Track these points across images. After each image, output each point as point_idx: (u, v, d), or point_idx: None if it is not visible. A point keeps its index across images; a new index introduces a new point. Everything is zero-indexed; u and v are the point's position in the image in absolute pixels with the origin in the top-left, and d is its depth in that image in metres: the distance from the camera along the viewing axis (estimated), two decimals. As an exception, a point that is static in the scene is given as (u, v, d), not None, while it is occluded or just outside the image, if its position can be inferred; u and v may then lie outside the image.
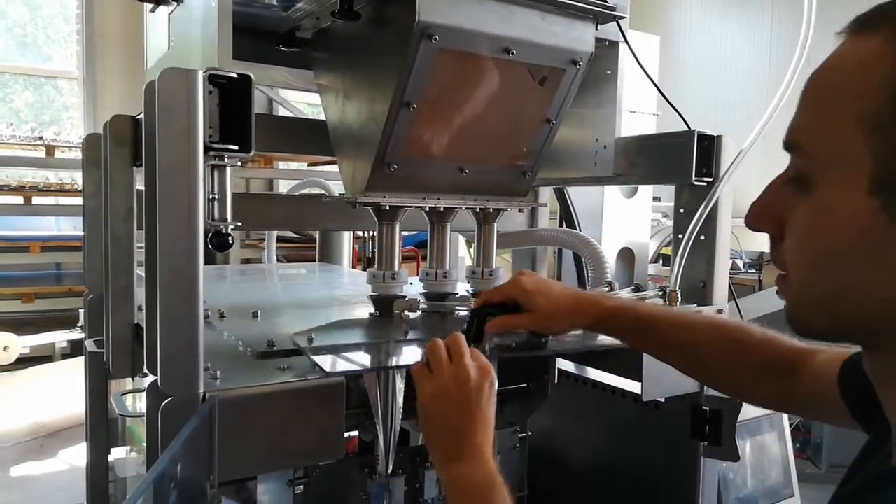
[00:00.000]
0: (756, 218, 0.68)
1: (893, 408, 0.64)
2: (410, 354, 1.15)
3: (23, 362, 4.69)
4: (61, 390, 4.03)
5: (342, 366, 1.02)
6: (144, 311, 0.91)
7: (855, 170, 0.57)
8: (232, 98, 0.90)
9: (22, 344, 4.86)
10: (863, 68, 0.58)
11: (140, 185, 0.98)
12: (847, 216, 0.58)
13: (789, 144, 0.64)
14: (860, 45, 0.59)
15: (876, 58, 0.57)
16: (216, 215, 0.95)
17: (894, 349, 0.62)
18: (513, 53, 1.19)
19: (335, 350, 1.09)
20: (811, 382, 0.95)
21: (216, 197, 0.94)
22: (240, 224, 0.97)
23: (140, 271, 0.96)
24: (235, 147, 0.91)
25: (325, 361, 1.01)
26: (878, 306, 0.59)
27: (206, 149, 0.87)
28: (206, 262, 0.89)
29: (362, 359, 1.14)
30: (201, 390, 0.86)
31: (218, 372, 0.92)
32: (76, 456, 3.60)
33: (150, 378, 0.90)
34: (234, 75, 0.90)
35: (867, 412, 0.67)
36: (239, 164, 0.95)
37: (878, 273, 0.58)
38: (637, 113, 2.82)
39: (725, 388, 1.15)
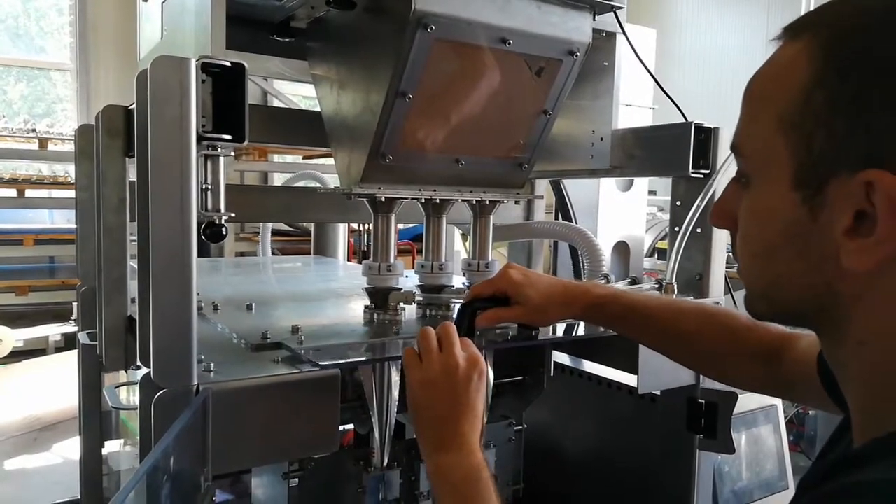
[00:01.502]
0: (715, 216, 0.74)
1: (847, 392, 0.67)
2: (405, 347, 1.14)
3: (16, 356, 4.69)
4: (55, 384, 4.02)
5: (336, 358, 1.02)
6: (137, 303, 0.90)
7: (779, 168, 0.62)
8: (225, 87, 0.88)
9: (16, 337, 4.86)
10: (784, 73, 0.63)
11: (133, 176, 0.97)
12: (774, 211, 0.63)
13: (731, 146, 0.69)
14: (787, 51, 0.63)
15: (795, 63, 0.61)
16: (209, 206, 0.93)
17: (834, 336, 0.65)
18: (509, 44, 1.18)
19: (328, 347, 1.08)
20: (795, 367, 0.98)
21: (209, 187, 0.93)
22: (233, 215, 0.96)
23: (133, 263, 0.94)
24: (229, 136, 0.89)
25: (319, 353, 1.00)
26: (806, 294, 0.64)
27: (199, 138, 0.86)
28: (201, 255, 0.88)
29: (357, 351, 1.13)
30: (195, 382, 0.86)
31: (211, 364, 0.91)
32: (70, 449, 3.60)
33: (144, 370, 0.89)
34: (228, 63, 0.89)
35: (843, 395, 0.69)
36: (232, 153, 0.94)
37: (803, 262, 0.62)
38: (633, 107, 2.81)
39: (714, 374, 1.17)
